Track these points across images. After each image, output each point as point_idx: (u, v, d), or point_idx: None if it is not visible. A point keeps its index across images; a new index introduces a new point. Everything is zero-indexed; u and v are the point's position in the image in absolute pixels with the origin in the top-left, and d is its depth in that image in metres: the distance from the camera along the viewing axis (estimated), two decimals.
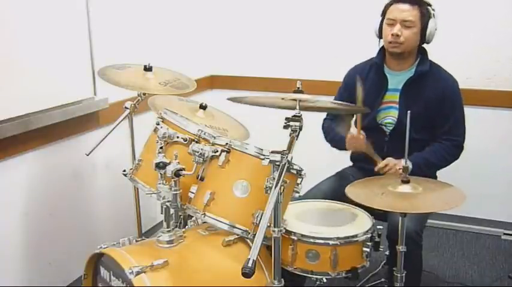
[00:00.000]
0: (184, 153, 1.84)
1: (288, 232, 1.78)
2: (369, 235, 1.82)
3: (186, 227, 1.98)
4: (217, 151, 1.81)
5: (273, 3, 3.43)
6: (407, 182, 1.73)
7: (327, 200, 2.11)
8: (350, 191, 1.77)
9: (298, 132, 1.64)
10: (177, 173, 1.77)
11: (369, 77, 2.31)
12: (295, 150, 1.59)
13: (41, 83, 2.20)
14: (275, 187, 1.46)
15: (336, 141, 2.29)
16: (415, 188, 1.72)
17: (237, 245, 1.79)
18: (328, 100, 1.97)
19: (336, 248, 1.76)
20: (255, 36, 3.52)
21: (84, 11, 2.40)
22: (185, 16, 3.29)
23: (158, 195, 1.84)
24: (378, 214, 1.99)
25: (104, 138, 2.17)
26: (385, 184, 1.76)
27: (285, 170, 1.51)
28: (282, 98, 1.70)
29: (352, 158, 2.42)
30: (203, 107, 2.28)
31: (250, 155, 1.77)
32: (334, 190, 2.19)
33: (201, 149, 1.81)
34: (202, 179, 1.83)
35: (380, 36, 2.23)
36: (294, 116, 1.65)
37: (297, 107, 1.67)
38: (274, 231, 1.54)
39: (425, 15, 2.14)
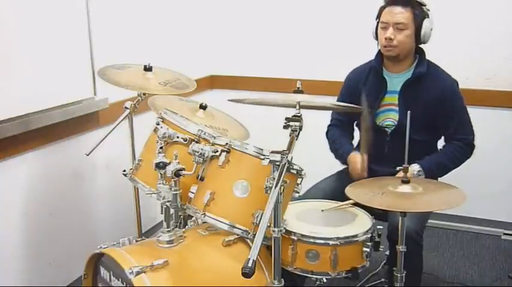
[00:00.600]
0: (184, 153, 1.84)
1: (288, 232, 1.78)
2: (369, 235, 1.82)
3: (186, 227, 1.98)
4: (217, 151, 1.81)
5: (273, 3, 3.43)
6: (407, 182, 1.73)
7: (327, 200, 2.11)
8: (350, 191, 1.77)
9: (298, 132, 1.64)
10: (177, 173, 1.77)
11: (368, 80, 2.31)
12: (295, 150, 1.59)
13: (41, 83, 2.20)
14: (275, 187, 1.47)
15: (339, 156, 2.33)
16: (415, 188, 1.72)
17: (237, 245, 1.79)
18: (328, 101, 1.97)
19: (336, 248, 1.76)
20: (255, 36, 3.52)
21: (84, 11, 2.40)
22: (185, 16, 3.29)
23: (158, 195, 1.84)
24: (378, 214, 1.99)
25: (104, 139, 2.17)
26: (385, 184, 1.76)
27: (285, 170, 1.51)
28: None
29: None
30: (203, 107, 2.28)
31: (250, 155, 1.77)
32: (334, 189, 2.19)
33: (201, 149, 1.81)
34: (202, 179, 1.83)
35: (377, 39, 2.24)
36: (294, 116, 1.66)
37: (297, 107, 1.67)
38: (274, 231, 1.54)
39: (419, 16, 2.13)
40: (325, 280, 1.78)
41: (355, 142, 2.42)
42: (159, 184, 1.82)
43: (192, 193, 1.87)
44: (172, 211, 1.84)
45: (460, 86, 2.24)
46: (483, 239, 3.16)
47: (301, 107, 1.67)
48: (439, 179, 2.22)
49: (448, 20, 2.78)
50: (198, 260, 1.77)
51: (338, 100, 2.34)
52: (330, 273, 1.77)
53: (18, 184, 2.23)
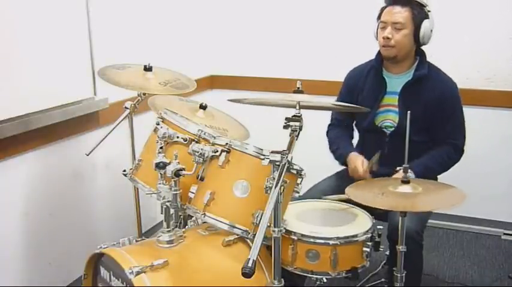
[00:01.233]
0: (184, 153, 1.84)
1: (288, 232, 1.78)
2: (369, 235, 1.82)
3: (186, 227, 1.98)
4: (217, 151, 1.81)
5: (273, 3, 3.43)
6: (407, 182, 1.73)
7: (327, 200, 2.11)
8: (350, 191, 1.77)
9: (298, 132, 1.64)
10: (177, 173, 1.77)
11: (367, 80, 2.31)
12: (295, 150, 1.59)
13: (41, 83, 2.20)
14: (275, 187, 1.47)
15: (338, 157, 2.33)
16: (415, 188, 1.72)
17: (237, 245, 1.79)
18: (328, 101, 1.97)
19: (336, 248, 1.76)
20: (255, 36, 3.52)
21: (84, 11, 2.40)
22: (185, 16, 3.29)
23: (158, 195, 1.84)
24: (378, 214, 1.99)
25: (104, 139, 2.18)
26: (385, 184, 1.76)
27: (285, 170, 1.51)
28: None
29: None
30: (203, 107, 2.28)
31: (250, 155, 1.77)
32: (334, 189, 2.19)
33: (201, 149, 1.81)
34: (202, 179, 1.83)
35: (378, 39, 2.24)
36: (294, 116, 1.66)
37: (297, 107, 1.67)
38: (274, 231, 1.54)
39: (418, 17, 2.12)
40: (325, 280, 1.78)
41: (354, 141, 2.42)
42: (159, 184, 1.82)
43: (192, 193, 1.87)
44: (172, 211, 1.84)
45: (460, 86, 2.24)
46: (483, 239, 3.16)
47: (301, 107, 1.67)
48: (439, 179, 2.22)
49: (449, 20, 2.78)
50: (198, 260, 1.77)
51: (337, 100, 2.35)
52: (330, 273, 1.77)
53: (18, 184, 2.23)
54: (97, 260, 1.83)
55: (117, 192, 2.71)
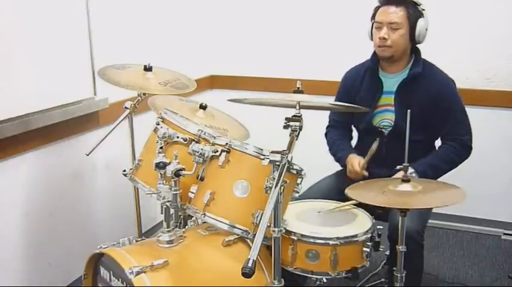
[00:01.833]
0: (184, 153, 1.84)
1: (288, 232, 1.78)
2: (369, 235, 1.82)
3: (186, 227, 1.98)
4: (217, 151, 1.81)
5: (273, 3, 3.43)
6: (407, 181, 1.73)
7: (327, 200, 2.11)
8: (350, 191, 1.76)
9: (298, 132, 1.64)
10: (177, 173, 1.77)
11: (364, 80, 2.31)
12: (295, 150, 1.59)
13: (41, 83, 2.20)
14: (275, 187, 1.47)
15: (337, 160, 2.33)
16: (415, 187, 1.72)
17: (237, 245, 1.79)
18: (327, 101, 1.97)
19: (336, 248, 1.76)
20: (255, 36, 3.52)
21: (84, 11, 2.40)
22: (185, 16, 3.29)
23: (158, 195, 1.84)
24: (378, 214, 1.99)
25: (104, 139, 2.18)
26: (385, 184, 1.76)
27: (285, 170, 1.51)
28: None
29: None
30: (203, 107, 2.28)
31: (250, 155, 1.77)
32: (333, 189, 2.20)
33: (201, 149, 1.81)
34: (202, 179, 1.83)
35: (372, 39, 2.23)
36: (294, 116, 1.66)
37: (297, 107, 1.67)
38: (274, 231, 1.54)
39: (413, 16, 2.12)
40: (325, 280, 1.78)
41: (353, 142, 2.42)
42: (159, 184, 1.82)
43: (192, 193, 1.87)
44: (172, 211, 1.84)
45: (460, 86, 2.24)
46: (483, 239, 3.16)
47: (301, 107, 1.67)
48: (439, 179, 2.22)
49: (449, 20, 2.78)
50: (198, 260, 1.77)
51: (335, 100, 2.34)
52: (330, 273, 1.77)
53: (18, 184, 2.23)
54: (97, 260, 1.83)
55: (117, 192, 2.71)
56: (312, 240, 1.77)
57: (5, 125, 2.04)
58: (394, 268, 1.79)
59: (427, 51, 2.25)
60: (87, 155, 2.17)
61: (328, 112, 2.45)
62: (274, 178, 1.51)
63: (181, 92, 2.22)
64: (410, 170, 2.08)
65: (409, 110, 1.73)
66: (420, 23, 2.13)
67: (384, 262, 2.45)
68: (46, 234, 2.37)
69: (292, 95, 1.69)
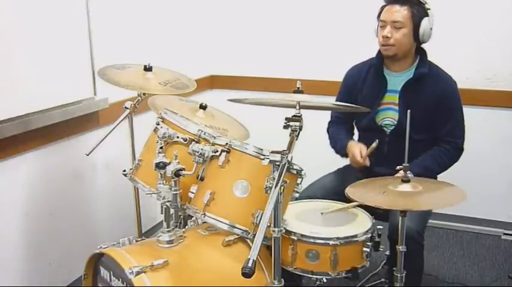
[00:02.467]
0: (184, 153, 1.84)
1: (288, 232, 1.78)
2: (369, 235, 1.82)
3: (186, 227, 1.98)
4: (217, 151, 1.81)
5: (273, 3, 3.43)
6: (407, 181, 1.73)
7: (327, 200, 2.11)
8: (350, 191, 1.76)
9: (298, 132, 1.64)
10: (177, 173, 1.77)
11: (367, 78, 2.31)
12: (295, 150, 1.59)
13: (41, 83, 2.20)
14: (275, 187, 1.46)
15: (338, 149, 2.33)
16: (415, 187, 1.72)
17: (237, 245, 1.79)
18: (328, 101, 1.97)
19: (336, 248, 1.76)
20: (255, 36, 3.52)
21: (84, 11, 2.40)
22: (185, 16, 3.29)
23: (158, 195, 1.84)
24: (378, 214, 1.99)
25: (104, 138, 2.18)
26: (385, 183, 1.76)
27: (285, 170, 1.51)
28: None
29: None
30: (203, 107, 2.28)
31: (250, 155, 1.77)
32: (333, 187, 2.20)
33: (201, 149, 1.81)
34: (202, 179, 1.83)
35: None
36: (294, 116, 1.66)
37: (297, 107, 1.67)
38: (274, 231, 1.54)
39: (416, 15, 2.13)
40: (325, 280, 1.78)
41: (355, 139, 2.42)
42: (159, 184, 1.82)
43: (192, 193, 1.87)
44: (172, 211, 1.84)
45: (461, 86, 2.24)
46: (483, 239, 3.16)
47: (301, 107, 1.67)
48: (439, 178, 2.22)
49: (449, 20, 2.78)
50: (198, 260, 1.76)
51: (337, 99, 2.35)
52: (330, 273, 1.77)
53: (18, 184, 2.23)
54: (97, 260, 1.83)
55: (117, 192, 2.71)
56: (312, 240, 1.77)
57: (5, 125, 2.04)
58: (394, 268, 1.79)
59: (429, 50, 2.25)
60: (87, 155, 2.17)
61: (328, 112, 2.45)
62: (274, 178, 1.51)
63: (181, 92, 2.22)
64: None
65: (409, 111, 1.73)
66: (424, 22, 2.13)
67: (384, 262, 2.45)
68: (46, 234, 2.37)
69: (292, 95, 1.69)
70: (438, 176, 2.26)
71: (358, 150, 2.16)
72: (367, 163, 2.15)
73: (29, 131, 2.15)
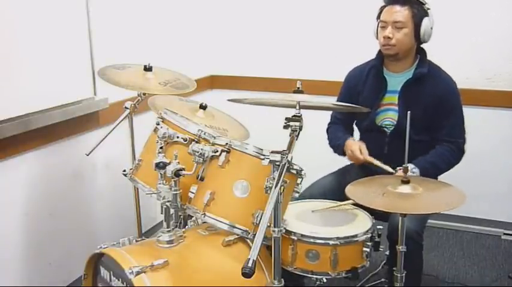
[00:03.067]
0: (184, 153, 1.84)
1: (288, 232, 1.78)
2: (369, 235, 1.82)
3: (186, 227, 1.98)
4: (217, 151, 1.81)
5: (273, 3, 3.43)
6: (407, 182, 1.73)
7: (327, 200, 2.11)
8: (350, 191, 1.76)
9: (298, 132, 1.64)
10: (177, 173, 1.77)
11: (368, 79, 2.31)
12: (295, 150, 1.59)
13: (41, 83, 2.20)
14: (275, 187, 1.46)
15: (337, 148, 2.33)
16: (415, 188, 1.72)
17: (237, 245, 1.79)
18: (328, 101, 1.97)
19: (336, 248, 1.76)
20: (255, 36, 3.52)
21: (84, 11, 2.40)
22: (185, 16, 3.29)
23: (158, 195, 1.84)
24: (378, 214, 1.98)
25: (104, 139, 2.18)
26: (385, 183, 1.76)
27: (285, 170, 1.51)
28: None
29: None
30: (203, 107, 2.28)
31: (250, 155, 1.77)
32: (333, 187, 2.20)
33: (201, 149, 1.81)
34: (202, 179, 1.83)
35: (378, 38, 2.24)
36: (294, 116, 1.66)
37: (297, 107, 1.67)
38: (274, 231, 1.54)
39: (417, 15, 2.13)
40: (325, 280, 1.78)
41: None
42: (159, 184, 1.82)
43: (192, 193, 1.87)
44: (172, 211, 1.84)
45: (460, 86, 2.24)
46: (483, 239, 3.16)
47: (301, 107, 1.67)
48: (439, 179, 2.22)
49: (449, 20, 2.78)
50: (198, 260, 1.77)
51: (338, 99, 2.35)
52: (330, 273, 1.77)
53: (18, 184, 2.23)
54: (97, 260, 1.83)
55: (117, 192, 2.71)
56: (312, 240, 1.77)
57: (5, 125, 2.04)
58: (394, 268, 1.79)
59: (428, 50, 2.25)
60: (87, 155, 2.17)
61: (328, 112, 2.45)
62: (274, 178, 1.51)
63: (181, 92, 2.22)
64: (411, 165, 2.09)
65: (409, 112, 1.73)
66: (425, 22, 2.13)
67: (384, 262, 2.45)
68: (46, 234, 2.37)
69: (292, 95, 1.69)
70: (439, 176, 2.26)
71: (357, 146, 2.17)
72: (368, 159, 2.14)
73: (29, 131, 2.15)
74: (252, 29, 3.51)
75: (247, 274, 1.28)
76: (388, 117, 2.25)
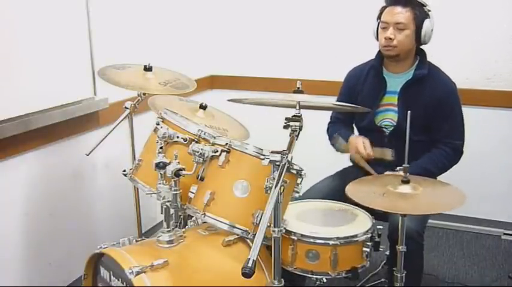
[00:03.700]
0: (184, 153, 1.84)
1: (288, 232, 1.78)
2: (369, 235, 1.82)
3: (186, 227, 1.98)
4: (217, 151, 1.81)
5: (273, 3, 3.43)
6: (407, 182, 1.73)
7: (327, 200, 2.11)
8: (350, 191, 1.76)
9: (298, 132, 1.64)
10: (177, 173, 1.77)
11: (367, 79, 2.31)
12: (295, 150, 1.59)
13: (41, 83, 2.20)
14: (275, 187, 1.46)
15: (338, 147, 2.30)
16: (415, 188, 1.72)
17: (237, 245, 1.79)
18: (328, 101, 1.97)
19: (336, 248, 1.76)
20: (255, 36, 3.52)
21: (84, 11, 2.40)
22: (185, 16, 3.29)
23: (158, 195, 1.84)
24: (378, 214, 1.98)
25: (104, 138, 2.18)
26: (385, 183, 1.76)
27: (285, 170, 1.51)
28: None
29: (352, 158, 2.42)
30: (203, 107, 2.28)
31: (250, 155, 1.77)
32: (334, 189, 2.19)
33: (201, 149, 1.81)
34: (202, 179, 1.83)
35: (378, 39, 2.24)
36: (294, 116, 1.66)
37: (297, 107, 1.67)
38: (274, 231, 1.54)
39: (419, 16, 2.13)
40: (325, 280, 1.78)
41: None
42: (159, 184, 1.82)
43: (192, 193, 1.87)
44: (172, 211, 1.84)
45: (460, 86, 2.24)
46: (483, 239, 3.16)
47: (301, 107, 1.67)
48: (439, 179, 2.22)
49: (449, 20, 2.78)
50: (198, 260, 1.77)
51: (338, 99, 2.35)
52: (330, 273, 1.77)
53: (18, 184, 2.23)
54: (97, 260, 1.83)
55: (117, 192, 2.71)
56: (312, 240, 1.77)
57: (5, 125, 2.04)
58: (394, 268, 1.79)
59: (428, 51, 2.25)
60: (87, 155, 2.17)
61: (328, 112, 2.45)
62: (274, 178, 1.51)
63: (181, 92, 2.22)
64: None
65: (409, 112, 1.73)
66: (426, 23, 2.13)
67: (384, 262, 2.45)
68: (46, 234, 2.37)
69: (292, 95, 1.69)
70: (439, 176, 2.26)
71: (361, 141, 2.16)
72: (371, 154, 2.14)
73: (29, 131, 2.15)
74: (252, 29, 3.51)
75: (247, 274, 1.28)
76: (388, 118, 2.25)
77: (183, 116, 2.03)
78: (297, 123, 1.64)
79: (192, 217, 1.94)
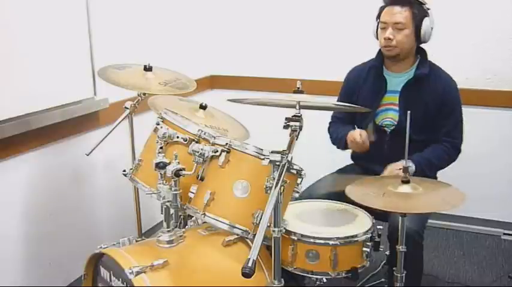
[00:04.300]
0: (184, 153, 1.84)
1: (288, 232, 1.78)
2: (369, 235, 1.82)
3: (186, 227, 1.98)
4: (217, 151, 1.81)
5: (273, 3, 3.43)
6: (407, 182, 1.73)
7: (327, 200, 2.11)
8: (350, 191, 1.76)
9: (298, 132, 1.64)
10: (177, 173, 1.77)
11: (368, 79, 2.31)
12: (295, 150, 1.59)
13: (41, 83, 2.20)
14: (275, 187, 1.46)
15: (339, 141, 2.33)
16: (415, 188, 1.72)
17: (237, 245, 1.79)
18: (328, 101, 1.97)
19: (336, 248, 1.76)
20: (255, 36, 3.52)
21: (84, 11, 2.40)
22: (185, 16, 3.29)
23: (158, 195, 1.84)
24: (378, 214, 1.98)
25: (104, 138, 2.18)
26: (385, 184, 1.76)
27: (285, 170, 1.51)
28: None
29: (352, 157, 2.43)
30: (203, 107, 2.28)
31: (250, 155, 1.77)
32: (334, 187, 2.19)
33: (201, 149, 1.81)
34: (202, 179, 1.83)
35: (378, 39, 2.24)
36: (294, 116, 1.66)
37: (297, 107, 1.67)
38: (274, 231, 1.54)
39: (418, 16, 2.13)
40: (325, 280, 1.78)
41: None
42: (159, 184, 1.82)
43: (192, 193, 1.87)
44: (172, 211, 1.84)
45: (461, 86, 2.24)
46: (483, 239, 3.16)
47: (301, 107, 1.67)
48: (439, 179, 2.22)
49: (449, 20, 2.78)
50: (198, 260, 1.77)
51: (338, 99, 2.35)
52: (330, 273, 1.77)
53: (18, 184, 2.23)
54: (97, 260, 1.83)
55: (117, 192, 2.71)
56: (312, 240, 1.77)
57: (5, 125, 2.04)
58: (394, 268, 1.79)
59: (428, 50, 2.25)
60: (87, 155, 2.17)
61: (328, 112, 2.45)
62: (274, 178, 1.51)
63: (181, 92, 2.22)
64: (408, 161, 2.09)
65: (409, 112, 1.73)
66: (425, 22, 2.13)
67: (384, 262, 2.45)
68: (46, 234, 2.37)
69: (292, 95, 1.69)
70: (439, 176, 2.27)
71: (358, 133, 2.17)
72: (367, 142, 2.14)
73: (29, 131, 2.15)
74: (252, 29, 3.51)
75: (247, 274, 1.28)
76: (388, 117, 2.25)
77: (183, 116, 2.03)
78: (297, 123, 1.64)
79: (192, 217, 1.94)
